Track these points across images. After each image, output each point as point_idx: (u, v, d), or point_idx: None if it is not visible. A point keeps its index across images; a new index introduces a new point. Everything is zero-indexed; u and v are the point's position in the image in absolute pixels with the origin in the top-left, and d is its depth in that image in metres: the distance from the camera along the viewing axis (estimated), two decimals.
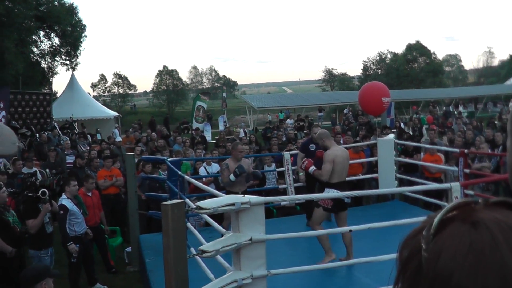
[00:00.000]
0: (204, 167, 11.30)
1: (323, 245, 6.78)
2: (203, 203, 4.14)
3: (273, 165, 11.02)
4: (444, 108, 36.47)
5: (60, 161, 13.78)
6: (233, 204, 4.17)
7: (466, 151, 8.95)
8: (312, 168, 7.26)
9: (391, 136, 10.61)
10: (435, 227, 0.70)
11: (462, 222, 0.69)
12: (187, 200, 6.98)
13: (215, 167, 11.22)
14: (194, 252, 5.30)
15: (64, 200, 7.88)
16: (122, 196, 10.80)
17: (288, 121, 29.82)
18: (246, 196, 4.41)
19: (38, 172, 11.26)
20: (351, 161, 11.07)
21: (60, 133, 20.49)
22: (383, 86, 13.81)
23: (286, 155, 9.91)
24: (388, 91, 13.42)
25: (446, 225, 0.70)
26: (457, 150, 9.34)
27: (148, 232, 9.55)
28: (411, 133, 17.97)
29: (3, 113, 12.77)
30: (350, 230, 5.81)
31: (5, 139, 6.87)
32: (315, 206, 7.12)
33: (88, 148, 16.19)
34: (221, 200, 4.28)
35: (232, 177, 7.66)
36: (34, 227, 7.27)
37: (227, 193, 7.06)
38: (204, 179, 10.42)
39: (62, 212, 7.76)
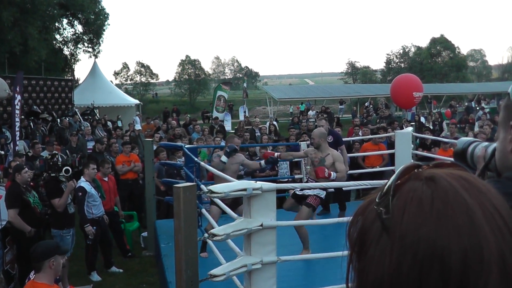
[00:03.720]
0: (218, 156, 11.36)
1: (304, 242, 6.71)
2: (214, 187, 4.19)
3: None
4: (466, 104, 36.11)
5: (81, 146, 13.97)
6: (244, 190, 4.21)
7: None
8: (334, 174, 6.97)
9: (409, 129, 10.57)
10: (392, 190, 0.70)
11: (416, 180, 0.71)
12: (202, 186, 7.05)
13: None
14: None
15: (83, 183, 8.02)
16: (140, 182, 10.92)
17: (310, 112, 29.79)
18: (258, 182, 4.45)
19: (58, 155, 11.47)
20: (370, 153, 11.17)
21: (81, 119, 20.72)
22: (416, 79, 13.71)
23: (303, 145, 9.92)
24: (421, 86, 13.33)
25: (401, 187, 0.71)
26: None
27: (167, 218, 9.65)
28: (431, 127, 17.88)
29: (19, 97, 13.01)
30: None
31: None
32: (304, 205, 6.92)
33: (105, 134, 16.38)
34: (233, 185, 4.32)
35: (224, 157, 7.52)
36: (61, 205, 7.47)
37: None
38: None
39: (80, 194, 7.90)
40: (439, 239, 0.65)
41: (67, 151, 12.90)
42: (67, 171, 7.62)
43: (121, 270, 8.57)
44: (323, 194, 6.91)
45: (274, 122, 21.35)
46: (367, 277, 0.70)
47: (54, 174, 7.68)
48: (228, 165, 7.65)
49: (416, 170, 0.74)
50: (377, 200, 0.71)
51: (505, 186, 1.16)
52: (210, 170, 7.19)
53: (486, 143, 1.52)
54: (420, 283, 0.65)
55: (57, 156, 8.53)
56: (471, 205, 0.67)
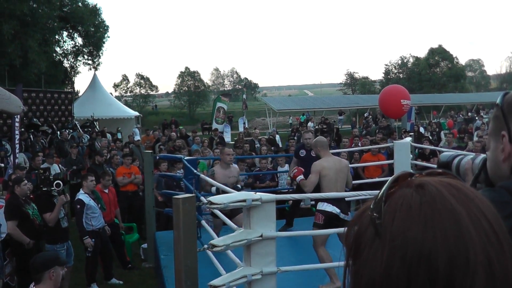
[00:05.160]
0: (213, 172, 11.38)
1: (328, 271, 6.16)
2: (214, 198, 4.21)
3: (286, 165, 11.06)
4: (469, 114, 36.14)
5: (82, 158, 14.00)
6: (244, 201, 4.22)
7: (481, 155, 8.90)
8: (300, 177, 6.71)
9: (408, 139, 10.58)
10: (384, 196, 0.74)
11: (407, 187, 0.74)
12: (202, 197, 7.05)
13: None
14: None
15: (81, 195, 8.04)
16: (140, 194, 10.93)
17: (309, 124, 29.85)
18: (257, 193, 4.46)
19: (52, 168, 11.50)
20: (368, 164, 11.16)
21: (81, 131, 20.77)
22: (403, 89, 13.81)
23: None
24: (407, 94, 13.40)
25: (393, 194, 0.74)
26: (472, 154, 9.29)
27: (166, 229, 9.64)
28: (430, 137, 17.90)
29: None
30: None
31: (13, 101, 8.52)
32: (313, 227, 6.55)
33: (106, 143, 16.42)
34: (233, 196, 4.34)
35: (213, 189, 7.35)
36: (52, 220, 7.42)
37: None
38: None
39: (79, 206, 7.91)
40: (426, 242, 0.68)
41: (69, 165, 12.94)
42: (58, 185, 7.58)
43: (121, 282, 8.56)
44: (321, 206, 6.46)
45: (277, 135, 21.41)
46: (361, 278, 0.73)
47: (46, 188, 7.65)
48: (225, 179, 7.66)
49: (408, 179, 0.77)
50: (371, 207, 0.75)
51: (500, 195, 1.19)
52: (209, 182, 7.18)
53: (472, 156, 1.56)
54: (408, 283, 0.68)
55: (49, 170, 8.52)
56: (458, 210, 0.70)
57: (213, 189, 7.40)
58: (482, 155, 1.45)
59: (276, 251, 4.47)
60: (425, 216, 0.70)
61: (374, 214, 0.73)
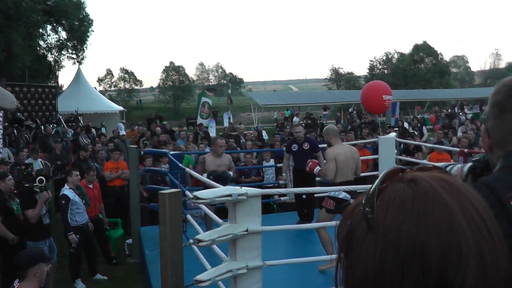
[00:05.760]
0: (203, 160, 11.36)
1: (327, 251, 6.44)
2: (200, 193, 4.20)
3: (272, 160, 11.07)
4: (449, 110, 36.41)
5: (66, 153, 13.91)
6: (230, 195, 4.22)
7: (466, 150, 8.98)
8: (317, 169, 7.04)
9: (393, 134, 10.64)
10: (376, 191, 0.75)
11: (399, 182, 0.75)
12: (187, 192, 7.04)
13: None
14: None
15: (66, 190, 7.99)
16: (126, 189, 10.88)
17: (295, 119, 29.89)
18: (243, 187, 4.46)
19: (36, 163, 11.39)
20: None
21: (65, 126, 20.64)
22: (384, 84, 13.88)
23: None
24: (389, 90, 13.46)
25: (385, 189, 0.75)
26: (457, 149, 9.38)
27: (150, 225, 9.62)
28: (416, 133, 18.00)
29: None
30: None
31: (7, 97, 8.47)
32: (319, 208, 6.87)
33: (89, 141, 16.31)
34: (219, 191, 4.33)
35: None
36: (34, 216, 7.32)
37: None
38: None
39: (64, 201, 7.86)
40: (419, 235, 0.69)
41: (53, 160, 12.83)
42: (41, 181, 7.49)
43: (105, 278, 8.52)
44: (334, 193, 6.56)
45: (263, 131, 21.44)
46: (354, 273, 0.74)
47: (28, 184, 7.56)
48: (215, 167, 7.73)
49: (400, 174, 0.78)
50: (363, 202, 0.75)
51: (480, 190, 1.21)
52: (194, 176, 7.19)
53: (461, 164, 1.59)
54: (402, 277, 0.69)
55: (31, 166, 8.42)
56: (450, 204, 0.71)
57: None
58: (470, 164, 1.49)
59: (261, 245, 4.48)
60: (418, 210, 0.71)
61: (367, 209, 0.74)
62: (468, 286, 0.68)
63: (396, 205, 0.72)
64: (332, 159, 6.80)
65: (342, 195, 6.55)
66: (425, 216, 0.70)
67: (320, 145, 8.99)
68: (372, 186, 0.76)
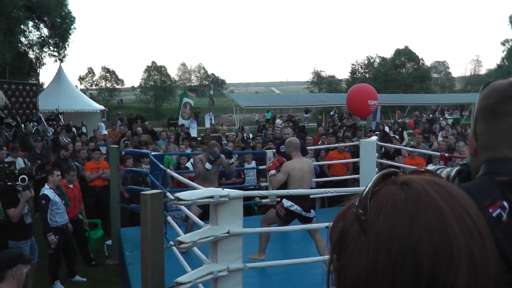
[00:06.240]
0: (191, 163, 11.33)
1: (261, 244, 6.71)
2: (181, 195, 4.19)
3: (253, 162, 11.08)
4: (430, 115, 36.71)
5: (46, 152, 13.78)
6: (211, 197, 4.22)
7: (446, 154, 9.07)
8: (271, 172, 7.03)
9: (374, 138, 10.71)
10: (369, 194, 0.76)
11: (392, 184, 0.77)
12: (168, 193, 7.02)
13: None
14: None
15: (46, 190, 7.90)
16: (107, 190, 10.79)
17: (278, 121, 29.95)
18: (225, 189, 4.46)
19: (17, 162, 11.26)
20: (335, 161, 11.26)
21: (46, 124, 20.45)
22: (371, 88, 13.96)
23: (269, 153, 9.97)
24: (375, 94, 13.56)
25: (378, 191, 0.76)
26: (438, 153, 9.47)
27: (130, 226, 9.55)
28: (397, 137, 18.13)
29: None
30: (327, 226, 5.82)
31: None
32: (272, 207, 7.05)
33: (70, 140, 16.16)
34: (200, 193, 4.33)
35: (208, 165, 7.70)
36: (16, 216, 7.24)
37: None
38: (190, 174, 10.44)
39: (44, 201, 7.78)
40: (411, 237, 0.70)
41: (33, 159, 12.69)
42: (23, 179, 7.41)
43: (84, 279, 8.46)
44: (286, 203, 6.72)
45: (249, 131, 21.42)
46: (346, 274, 0.75)
47: (10, 183, 7.47)
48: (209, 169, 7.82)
49: (393, 177, 0.79)
50: (356, 204, 0.77)
51: None
52: (176, 177, 7.19)
53: (449, 168, 1.61)
54: (394, 278, 0.70)
55: (14, 164, 8.32)
56: (442, 206, 0.73)
57: (207, 165, 7.81)
58: (457, 168, 1.51)
59: (243, 247, 4.49)
60: (410, 212, 0.72)
61: (360, 211, 0.75)
62: (459, 287, 0.69)
63: (389, 207, 0.73)
64: (286, 173, 6.82)
65: (294, 208, 6.71)
66: (417, 217, 0.71)
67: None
68: (365, 189, 0.78)
